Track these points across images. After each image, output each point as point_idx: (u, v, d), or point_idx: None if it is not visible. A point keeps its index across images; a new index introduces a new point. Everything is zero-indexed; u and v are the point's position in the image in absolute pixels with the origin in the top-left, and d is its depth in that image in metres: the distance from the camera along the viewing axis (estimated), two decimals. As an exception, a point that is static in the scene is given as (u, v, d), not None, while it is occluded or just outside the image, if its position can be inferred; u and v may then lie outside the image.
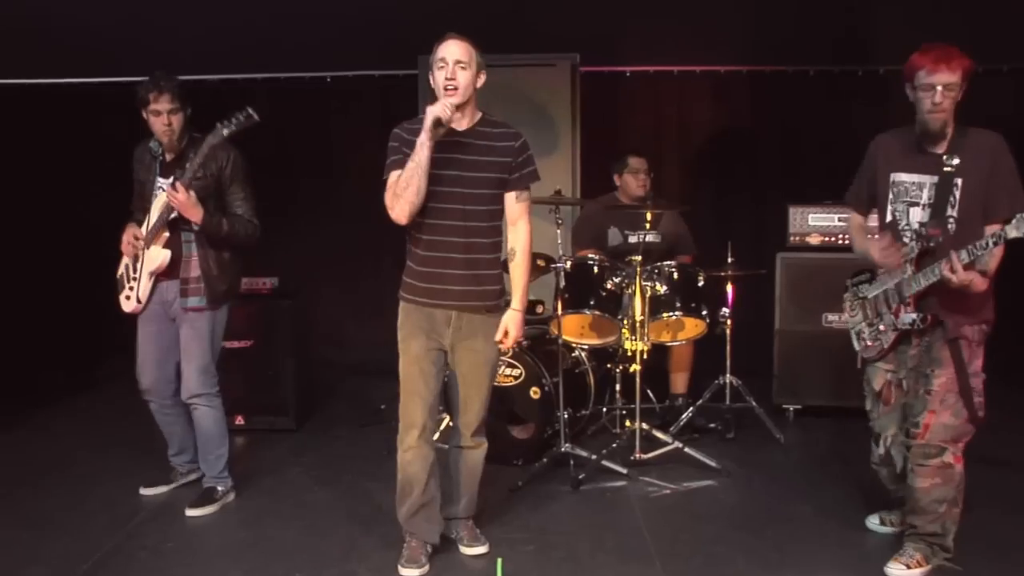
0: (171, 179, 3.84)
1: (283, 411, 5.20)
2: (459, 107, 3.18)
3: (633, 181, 5.23)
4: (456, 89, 3.14)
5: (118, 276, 4.04)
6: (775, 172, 6.42)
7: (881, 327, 3.40)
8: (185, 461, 4.24)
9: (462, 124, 3.23)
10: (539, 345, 4.78)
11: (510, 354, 4.52)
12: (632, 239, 5.17)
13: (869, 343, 3.48)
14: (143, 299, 3.94)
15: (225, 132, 3.68)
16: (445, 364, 3.35)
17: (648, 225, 4.69)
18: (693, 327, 4.77)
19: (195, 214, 3.78)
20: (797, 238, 5.44)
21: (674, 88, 6.49)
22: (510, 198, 3.29)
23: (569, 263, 4.55)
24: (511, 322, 3.31)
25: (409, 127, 3.27)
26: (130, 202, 4.10)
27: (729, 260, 5.01)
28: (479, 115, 3.28)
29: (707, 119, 6.51)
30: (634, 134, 6.46)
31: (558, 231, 4.51)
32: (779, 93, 6.37)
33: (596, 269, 4.59)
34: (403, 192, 3.13)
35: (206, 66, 6.36)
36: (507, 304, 3.39)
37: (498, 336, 3.31)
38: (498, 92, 6.33)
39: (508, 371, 4.55)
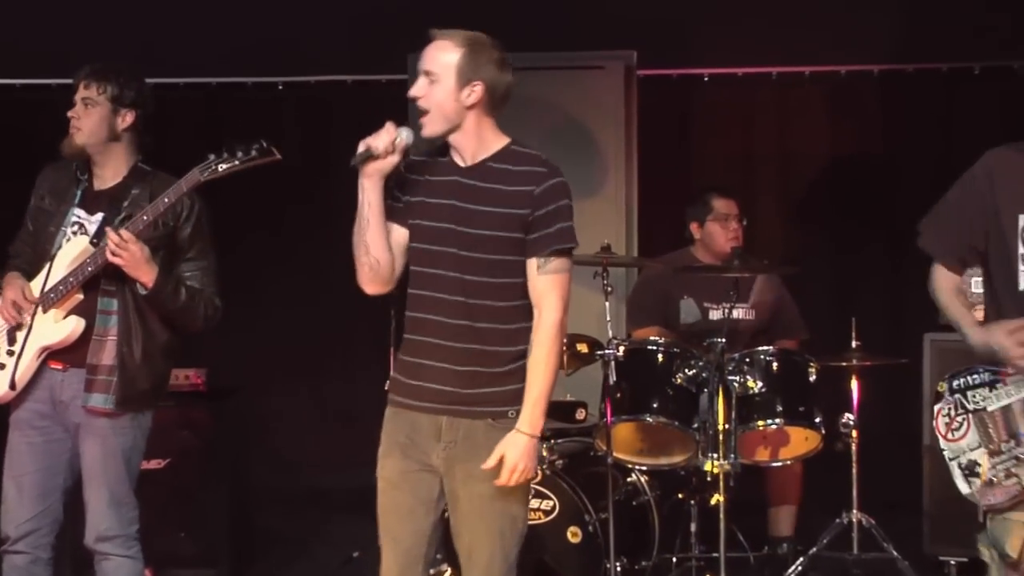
0: (98, 215, 3.90)
1: (211, 560, 5.26)
2: (450, 135, 3.26)
3: (721, 232, 5.36)
4: (424, 114, 3.22)
5: None
6: (919, 216, 6.47)
7: (1020, 454, 3.26)
8: None
9: (465, 158, 3.29)
10: (580, 466, 4.84)
11: (537, 479, 4.59)
12: (714, 314, 5.28)
13: (998, 481, 3.29)
14: (21, 383, 3.85)
15: (222, 168, 3.64)
16: (442, 493, 3.34)
17: (736, 294, 4.78)
18: (802, 441, 4.83)
19: (146, 274, 3.77)
20: (953, 312, 5.51)
21: (772, 97, 6.69)
22: (531, 267, 3.26)
23: (623, 349, 4.64)
24: (511, 449, 3.19)
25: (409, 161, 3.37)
26: (11, 242, 4.08)
27: (853, 344, 5.05)
28: (501, 144, 3.30)
29: (820, 141, 6.67)
30: (714, 164, 6.64)
31: (607, 303, 4.63)
32: (926, 101, 6.54)
33: (661, 357, 4.69)
34: (355, 251, 3.26)
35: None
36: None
37: (488, 463, 3.19)
38: (523, 106, 6.44)
39: (536, 503, 4.62)
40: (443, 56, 3.21)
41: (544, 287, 3.24)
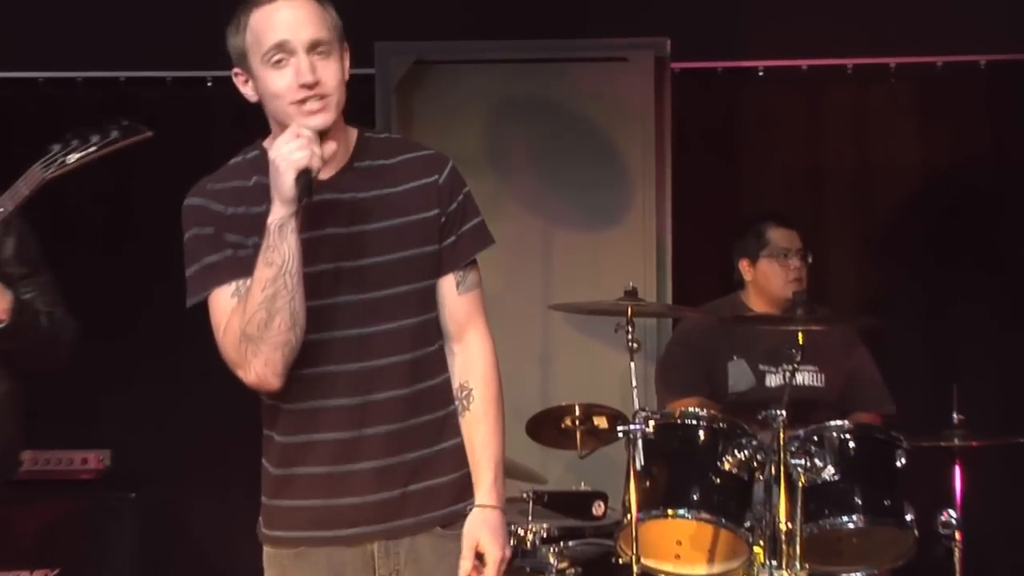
0: None
1: None
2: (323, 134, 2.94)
3: (779, 272, 5.37)
4: (324, 99, 2.92)
5: None
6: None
7: None
8: None
9: (328, 167, 2.98)
10: (599, 574, 4.83)
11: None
12: (772, 380, 5.28)
13: None
14: None
15: (72, 159, 3.62)
16: None
17: (801, 354, 4.76)
18: (888, 544, 4.79)
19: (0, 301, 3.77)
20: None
21: (847, 96, 6.69)
22: (447, 286, 3.11)
23: (653, 424, 4.59)
24: (485, 531, 3.07)
25: (222, 189, 3.01)
26: None
27: (955, 419, 5.01)
28: (353, 136, 3.11)
29: (909, 153, 6.66)
30: (771, 183, 6.64)
31: (632, 364, 4.60)
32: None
33: (703, 435, 4.67)
34: (264, 329, 2.89)
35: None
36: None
37: (464, 568, 3.04)
38: (526, 107, 6.47)
39: (540, 628, 4.61)
40: (326, 17, 3.00)
41: (468, 309, 3.12)
